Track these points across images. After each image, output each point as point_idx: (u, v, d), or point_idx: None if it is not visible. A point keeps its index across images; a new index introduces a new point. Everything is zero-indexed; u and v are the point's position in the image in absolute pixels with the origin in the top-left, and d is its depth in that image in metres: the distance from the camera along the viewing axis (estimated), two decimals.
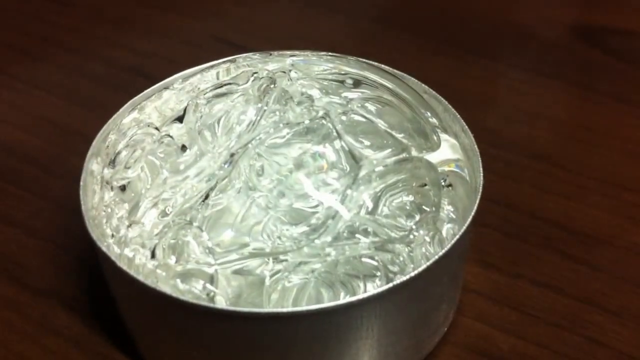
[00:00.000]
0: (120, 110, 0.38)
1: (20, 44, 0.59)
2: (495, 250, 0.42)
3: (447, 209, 0.35)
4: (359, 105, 0.35)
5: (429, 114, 0.37)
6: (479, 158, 0.35)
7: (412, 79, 0.39)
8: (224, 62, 0.37)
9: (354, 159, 0.33)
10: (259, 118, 0.33)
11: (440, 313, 0.35)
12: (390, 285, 0.30)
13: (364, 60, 0.39)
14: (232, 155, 0.32)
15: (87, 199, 0.34)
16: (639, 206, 0.45)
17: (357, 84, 0.36)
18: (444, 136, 0.36)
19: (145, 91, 0.39)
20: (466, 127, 0.37)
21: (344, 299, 0.32)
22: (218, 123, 0.34)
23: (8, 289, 0.40)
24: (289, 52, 0.38)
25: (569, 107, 0.54)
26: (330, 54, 0.39)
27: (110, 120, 0.37)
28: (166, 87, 0.37)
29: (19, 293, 0.40)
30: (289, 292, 0.32)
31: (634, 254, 0.42)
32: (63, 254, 0.42)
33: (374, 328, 0.31)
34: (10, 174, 0.47)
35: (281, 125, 0.33)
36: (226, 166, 0.32)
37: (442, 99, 0.38)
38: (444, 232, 0.33)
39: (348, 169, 0.32)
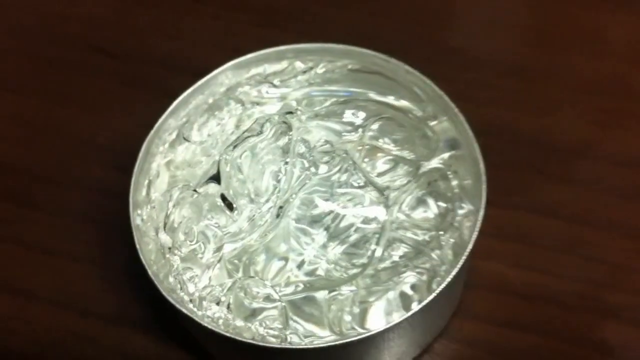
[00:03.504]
0: (141, 152, 0.40)
1: None
2: (490, 185, 0.47)
3: (457, 194, 0.39)
4: (367, 131, 0.38)
5: (410, 104, 0.41)
6: (476, 144, 0.39)
7: (393, 60, 0.42)
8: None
9: (379, 191, 0.37)
10: (292, 168, 0.37)
11: (461, 278, 0.41)
12: (438, 290, 0.35)
13: (350, 47, 0.42)
14: (280, 207, 0.37)
15: (149, 258, 0.37)
16: (608, 110, 0.49)
17: (353, 105, 0.41)
18: (434, 122, 0.41)
19: (155, 126, 0.41)
20: (455, 109, 0.40)
21: (389, 301, 0.37)
22: (239, 159, 0.38)
23: (77, 321, 0.44)
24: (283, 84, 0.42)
25: (528, 11, 0.56)
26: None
27: (135, 169, 0.40)
28: (186, 139, 0.40)
29: (88, 323, 0.44)
30: (344, 302, 0.37)
31: (610, 162, 0.47)
32: (113, 276, 0.45)
33: (422, 319, 0.37)
34: (21, 195, 0.49)
35: (312, 176, 0.37)
36: (278, 219, 0.37)
37: (427, 79, 0.41)
38: (462, 223, 0.38)
39: (376, 199, 0.37)
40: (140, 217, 0.39)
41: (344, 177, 0.37)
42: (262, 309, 0.36)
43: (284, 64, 0.43)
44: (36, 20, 0.58)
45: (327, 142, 0.38)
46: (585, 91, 0.50)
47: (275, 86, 0.42)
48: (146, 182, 0.40)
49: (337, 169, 0.37)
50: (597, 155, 0.48)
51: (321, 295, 0.37)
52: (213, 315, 0.36)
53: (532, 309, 0.43)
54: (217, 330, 0.35)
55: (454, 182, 0.40)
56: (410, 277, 0.37)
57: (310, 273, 0.37)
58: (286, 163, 0.37)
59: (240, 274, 0.37)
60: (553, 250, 0.44)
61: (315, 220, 0.37)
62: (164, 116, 0.41)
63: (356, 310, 0.37)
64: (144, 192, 0.40)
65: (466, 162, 0.40)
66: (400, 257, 0.37)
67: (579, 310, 0.42)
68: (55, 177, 0.50)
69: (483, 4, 0.56)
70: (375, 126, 0.39)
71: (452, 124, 0.40)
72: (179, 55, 0.55)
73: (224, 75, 0.43)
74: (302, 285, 0.37)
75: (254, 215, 0.37)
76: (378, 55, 0.42)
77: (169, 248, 0.37)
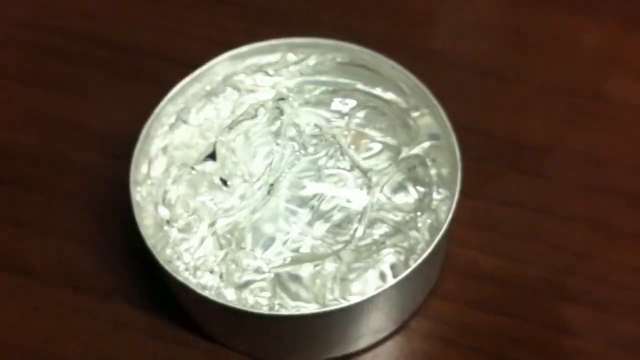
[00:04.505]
0: (142, 134, 0.43)
1: None
2: (466, 177, 0.50)
3: (434, 180, 0.42)
4: (353, 118, 0.42)
5: (394, 95, 0.45)
6: (454, 135, 0.42)
7: (379, 55, 0.45)
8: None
9: (363, 172, 0.40)
10: (282, 150, 0.40)
11: (441, 257, 0.44)
12: (415, 265, 0.38)
13: (340, 42, 0.46)
14: (271, 185, 0.40)
15: (147, 231, 0.40)
16: (578, 110, 0.53)
17: (341, 94, 0.44)
18: (416, 114, 0.44)
19: (155, 112, 0.44)
20: (436, 102, 0.44)
21: (369, 276, 0.40)
22: (233, 142, 0.41)
23: (72, 296, 0.47)
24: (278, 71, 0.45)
25: (505, 14, 0.60)
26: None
27: (136, 148, 0.43)
28: (185, 122, 0.43)
29: (84, 298, 0.47)
30: (328, 277, 0.40)
31: (577, 158, 0.51)
32: (107, 254, 0.48)
33: (399, 295, 0.41)
34: (16, 176, 0.52)
35: (302, 157, 0.40)
36: (268, 195, 0.40)
37: (410, 74, 0.45)
38: (438, 206, 0.42)
39: (358, 180, 0.40)
40: (140, 194, 0.42)
41: (331, 160, 0.40)
42: (253, 281, 0.39)
43: (277, 56, 0.46)
44: (40, 12, 0.61)
45: (316, 126, 0.41)
46: (556, 92, 0.54)
47: (269, 75, 0.45)
48: (146, 162, 0.43)
49: (324, 151, 0.40)
50: (563, 153, 0.51)
51: (306, 272, 0.40)
52: (206, 284, 0.39)
53: (500, 292, 0.46)
54: (209, 297, 0.38)
55: (433, 171, 0.43)
56: (389, 256, 0.40)
57: (296, 250, 0.40)
58: (277, 144, 0.40)
59: (233, 247, 0.40)
60: (521, 239, 0.48)
61: (302, 201, 0.40)
62: (163, 102, 0.44)
63: (337, 285, 0.40)
64: (143, 171, 0.43)
65: (444, 152, 0.43)
66: (381, 235, 0.40)
67: (543, 294, 0.46)
68: (53, 161, 0.52)
69: (462, 7, 0.60)
70: (361, 114, 0.43)
71: (433, 116, 0.44)
72: (174, 48, 0.57)
73: (220, 66, 0.46)
74: (289, 258, 0.40)
75: (245, 193, 0.40)
76: (365, 51, 0.45)
77: (167, 221, 0.40)
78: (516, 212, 0.49)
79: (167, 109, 0.44)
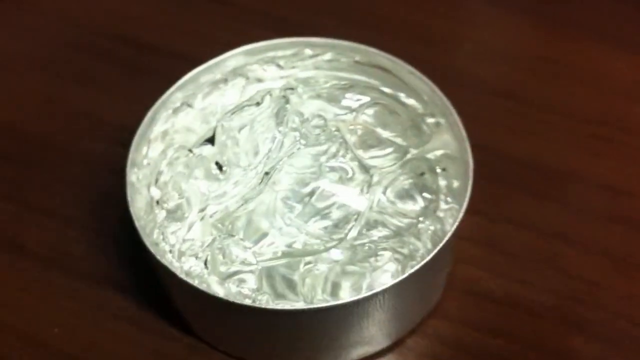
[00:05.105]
0: (146, 118, 0.42)
1: None
2: (479, 197, 0.48)
3: (443, 190, 0.41)
4: (362, 114, 0.40)
5: (412, 99, 0.43)
6: (468, 144, 0.41)
7: (398, 60, 0.44)
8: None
9: (365, 168, 0.39)
10: (282, 138, 0.38)
11: (444, 273, 0.42)
12: (407, 274, 0.36)
13: (356, 44, 0.45)
14: (266, 173, 0.38)
15: (136, 212, 0.39)
16: (599, 138, 0.51)
17: (354, 90, 0.43)
18: (431, 120, 0.42)
19: (162, 98, 0.43)
20: (452, 108, 0.42)
21: (364, 281, 0.38)
22: (239, 132, 0.40)
23: (64, 278, 0.46)
24: (290, 64, 0.44)
25: (533, 41, 0.59)
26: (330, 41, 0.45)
27: (138, 130, 0.42)
28: (189, 105, 0.42)
29: (75, 282, 0.46)
30: (319, 277, 0.38)
31: (595, 186, 0.49)
32: (105, 240, 0.47)
33: (393, 305, 0.38)
34: (27, 159, 0.52)
35: (301, 146, 0.38)
36: (261, 184, 0.39)
37: (429, 80, 0.43)
38: (444, 214, 0.40)
39: (360, 176, 0.38)
40: (137, 176, 0.41)
41: (333, 154, 0.39)
42: (239, 272, 0.38)
43: (293, 50, 0.45)
44: (72, 9, 0.62)
45: (320, 116, 0.40)
46: (579, 119, 0.52)
47: (281, 67, 0.44)
48: (146, 144, 0.42)
49: (327, 145, 0.39)
50: (582, 180, 0.49)
51: (296, 270, 0.38)
52: (189, 270, 0.38)
53: (504, 315, 0.44)
54: (188, 280, 0.36)
55: (443, 182, 0.41)
56: (389, 265, 0.39)
57: (290, 245, 0.39)
58: (279, 132, 0.39)
59: (222, 234, 0.38)
60: (531, 263, 0.46)
61: (301, 197, 0.39)
62: (172, 89, 0.44)
63: (329, 287, 0.38)
64: (143, 153, 0.42)
65: (456, 163, 0.41)
66: (379, 237, 0.38)
67: (549, 321, 0.43)
68: (64, 148, 0.53)
69: (487, 31, 0.59)
70: (370, 111, 0.41)
71: (449, 125, 0.42)
72: (196, 50, 0.57)
73: (234, 59, 0.45)
74: (280, 253, 0.38)
75: (239, 180, 0.39)
76: (383, 55, 0.44)
77: (157, 202, 0.39)
78: (529, 236, 0.47)
79: (176, 95, 0.44)
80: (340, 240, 0.38)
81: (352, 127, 0.40)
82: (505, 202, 0.48)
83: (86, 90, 0.56)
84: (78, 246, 0.47)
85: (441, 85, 0.43)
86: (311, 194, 0.38)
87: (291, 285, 0.38)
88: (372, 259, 0.38)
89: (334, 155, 0.39)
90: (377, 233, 0.39)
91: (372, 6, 0.60)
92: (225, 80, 0.43)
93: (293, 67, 0.44)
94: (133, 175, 0.40)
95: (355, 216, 0.38)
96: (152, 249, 0.37)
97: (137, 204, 0.40)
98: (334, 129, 0.39)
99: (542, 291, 0.45)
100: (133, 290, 0.45)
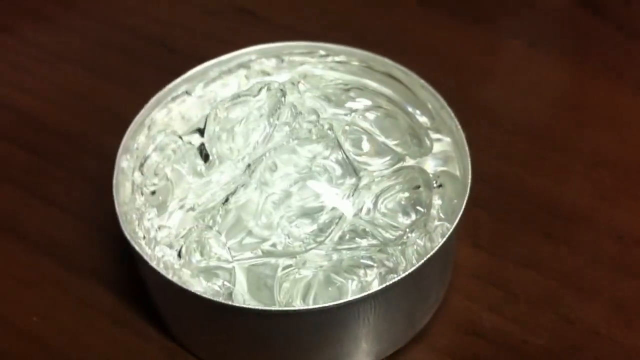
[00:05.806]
0: (147, 105, 0.42)
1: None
2: (485, 231, 0.46)
3: (437, 206, 0.39)
4: (361, 116, 0.39)
5: (419, 112, 0.42)
6: (469, 159, 0.39)
7: (412, 73, 0.43)
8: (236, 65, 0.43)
9: (354, 171, 0.37)
10: (272, 131, 0.37)
11: (431, 297, 0.40)
12: (383, 286, 0.34)
13: (373, 54, 0.43)
14: (249, 165, 0.37)
15: (120, 197, 0.38)
16: (618, 187, 0.49)
17: (359, 93, 0.41)
18: (436, 136, 0.41)
19: (168, 87, 0.43)
20: (459, 125, 0.40)
21: (345, 293, 0.36)
22: (235, 127, 0.39)
23: (52, 267, 0.45)
24: (299, 60, 0.42)
25: (563, 82, 0.57)
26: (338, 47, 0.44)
27: (137, 117, 0.41)
28: (188, 93, 0.41)
29: (62, 272, 0.45)
30: (299, 283, 0.37)
31: (608, 235, 0.46)
32: (99, 233, 0.46)
33: (370, 319, 0.36)
34: (44, 149, 0.52)
35: (291, 140, 0.37)
36: (244, 176, 0.37)
37: (439, 95, 0.42)
38: (434, 230, 0.38)
39: (349, 179, 0.37)
40: (128, 163, 0.40)
41: (322, 151, 0.37)
42: (213, 267, 0.36)
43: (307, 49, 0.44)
44: (111, 9, 0.63)
45: (314, 111, 0.38)
46: (596, 164, 0.50)
47: (288, 62, 0.43)
48: (141, 132, 0.41)
49: (318, 142, 0.37)
50: (593, 225, 0.47)
51: (274, 272, 0.37)
52: (163, 258, 0.36)
53: (495, 355, 0.41)
54: (157, 268, 0.35)
55: (438, 201, 0.39)
56: (372, 277, 0.37)
57: (273, 244, 0.37)
58: (269, 124, 0.38)
59: (199, 225, 0.37)
60: (531, 303, 0.43)
61: (287, 197, 0.37)
62: (177, 80, 0.43)
63: (307, 293, 0.36)
64: (137, 140, 0.41)
65: (456, 182, 0.40)
66: (365, 246, 0.37)
67: None
68: (82, 142, 0.52)
69: (523, 71, 0.57)
70: (371, 115, 0.39)
71: (453, 142, 0.40)
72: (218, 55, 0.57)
73: (247, 57, 0.44)
74: (260, 252, 0.37)
75: (224, 171, 0.37)
76: (397, 66, 0.43)
77: (137, 185, 0.38)
78: (531, 275, 0.44)
79: (182, 87, 0.43)
80: (320, 242, 0.36)
81: (347, 127, 0.39)
82: (512, 238, 0.46)
83: (113, 88, 0.56)
84: (76, 237, 0.47)
85: (460, 115, 0.42)
86: (298, 195, 0.37)
87: (267, 286, 0.37)
88: (360, 271, 0.37)
89: (324, 155, 0.37)
90: (364, 242, 0.37)
91: (412, 36, 0.59)
92: (229, 71, 0.42)
93: (302, 64, 0.43)
94: (124, 162, 0.40)
95: (337, 220, 0.37)
96: (128, 235, 0.36)
97: (127, 191, 0.39)
98: (327, 126, 0.38)
99: (538, 334, 0.42)
100: (118, 286, 0.44)
